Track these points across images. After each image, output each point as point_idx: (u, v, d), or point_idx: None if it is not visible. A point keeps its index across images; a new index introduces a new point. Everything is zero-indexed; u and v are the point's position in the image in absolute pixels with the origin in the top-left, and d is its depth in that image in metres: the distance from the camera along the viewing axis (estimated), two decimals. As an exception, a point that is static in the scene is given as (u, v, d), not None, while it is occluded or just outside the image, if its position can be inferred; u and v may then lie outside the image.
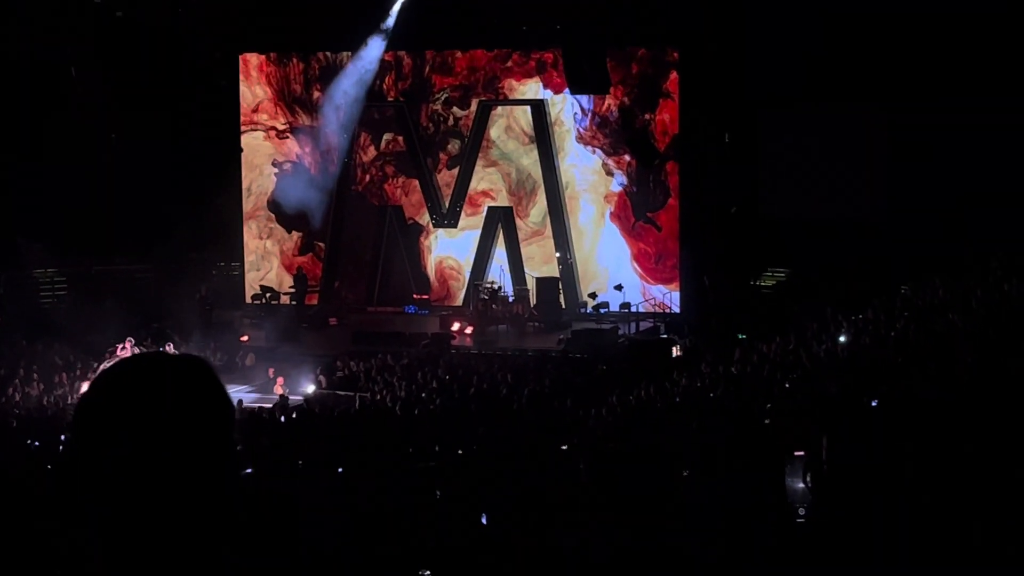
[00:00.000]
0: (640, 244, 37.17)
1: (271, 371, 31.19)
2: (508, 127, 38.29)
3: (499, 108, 38.31)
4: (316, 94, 39.32)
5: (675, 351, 30.97)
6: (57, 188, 37.61)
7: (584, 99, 37.08)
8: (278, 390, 30.28)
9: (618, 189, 37.32)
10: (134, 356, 2.54)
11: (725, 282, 34.53)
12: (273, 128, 40.06)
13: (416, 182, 39.03)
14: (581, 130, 37.44)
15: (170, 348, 30.27)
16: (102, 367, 2.60)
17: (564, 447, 18.36)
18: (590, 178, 37.53)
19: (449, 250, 38.96)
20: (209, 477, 2.44)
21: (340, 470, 16.88)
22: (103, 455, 2.40)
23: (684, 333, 32.65)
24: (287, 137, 40.02)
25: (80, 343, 30.51)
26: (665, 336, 33.37)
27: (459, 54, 38.35)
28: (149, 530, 2.39)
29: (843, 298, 29.05)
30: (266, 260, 40.37)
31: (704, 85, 35.37)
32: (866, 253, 32.14)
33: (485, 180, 38.47)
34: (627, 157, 36.90)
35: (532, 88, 37.85)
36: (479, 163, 38.37)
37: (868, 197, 33.78)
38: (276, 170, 40.08)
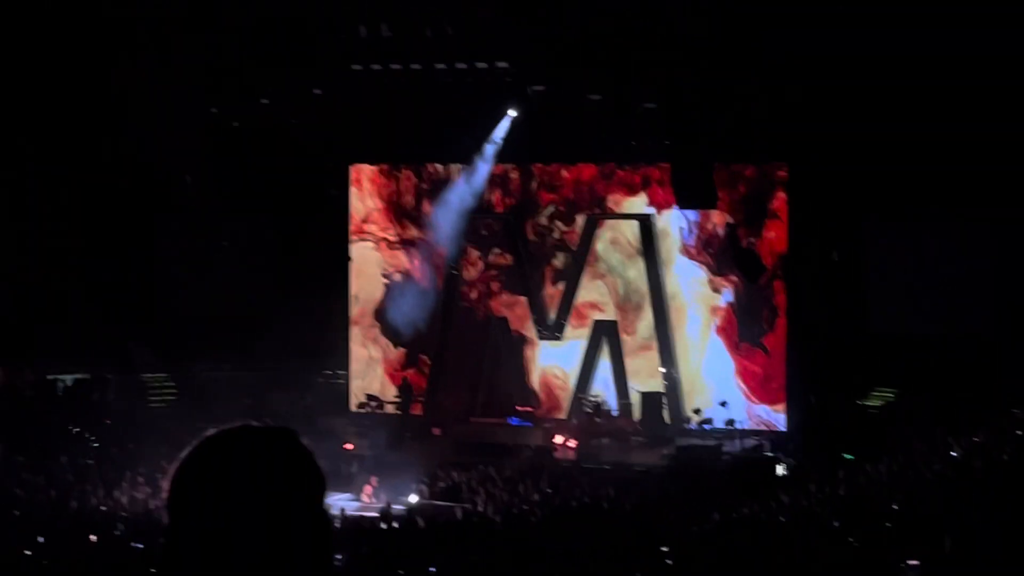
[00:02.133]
0: (745, 362, 36.88)
1: (374, 480, 31.25)
2: (614, 240, 38.33)
3: (605, 221, 38.39)
4: (426, 207, 39.66)
5: (780, 470, 30.61)
6: (168, 294, 38.29)
7: (691, 213, 37.05)
8: (365, 497, 30.40)
9: (724, 304, 37.14)
10: (223, 429, 2.56)
11: (832, 401, 34.13)
12: (384, 239, 40.43)
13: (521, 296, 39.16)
14: (688, 245, 37.40)
15: None
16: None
17: (665, 548, 18.15)
18: (697, 289, 37.40)
19: (554, 359, 38.90)
20: (299, 544, 2.44)
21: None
22: (194, 525, 2.43)
23: (789, 452, 32.28)
24: (397, 248, 40.35)
25: (187, 447, 30.77)
26: (770, 454, 33.00)
27: (565, 172, 38.56)
28: None
29: (952, 419, 28.59)
30: (371, 369, 40.57)
31: (812, 201, 35.23)
32: (976, 372, 31.65)
33: (593, 292, 38.45)
34: (734, 277, 36.69)
35: (637, 204, 37.92)
36: (585, 275, 38.39)
37: (978, 313, 33.35)
38: (386, 281, 40.39)
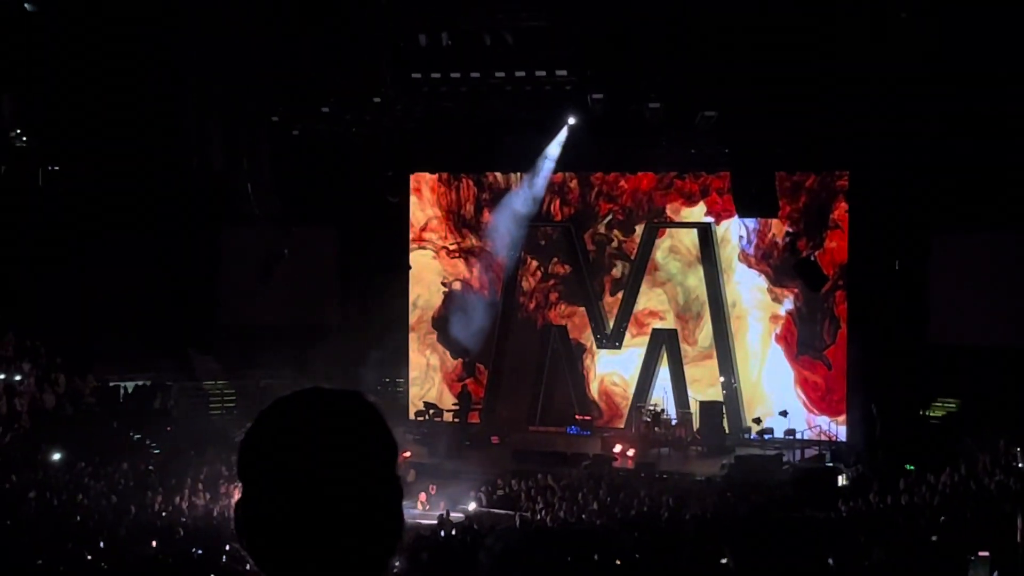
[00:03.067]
0: (805, 372, 36.68)
1: (432, 488, 31.31)
2: (673, 248, 38.25)
3: (664, 229, 38.30)
4: (485, 216, 39.72)
5: (841, 480, 30.41)
6: (229, 303, 38.51)
7: (751, 222, 36.88)
8: (420, 505, 30.52)
9: (784, 313, 36.97)
10: (294, 392, 2.53)
11: (893, 411, 33.84)
12: (444, 248, 40.51)
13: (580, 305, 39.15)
14: (747, 253, 37.25)
15: None
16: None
17: (724, 561, 18.05)
18: (757, 296, 37.25)
19: (613, 367, 38.82)
20: (373, 507, 2.43)
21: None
22: (266, 489, 2.41)
23: (850, 462, 32.05)
24: (456, 257, 40.42)
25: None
26: (831, 464, 32.79)
27: (623, 183, 38.52)
28: (316, 564, 2.40)
29: (1016, 429, 28.31)
30: (429, 376, 40.64)
31: (874, 211, 35.00)
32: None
33: (653, 300, 38.37)
34: (796, 290, 36.44)
35: (696, 213, 37.83)
36: (644, 284, 38.33)
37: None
38: (445, 289, 40.47)
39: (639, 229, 38.42)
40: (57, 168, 36.85)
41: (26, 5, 30.87)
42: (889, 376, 34.28)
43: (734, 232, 37.43)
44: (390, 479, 2.48)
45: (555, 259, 39.55)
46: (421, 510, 30.21)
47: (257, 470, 2.44)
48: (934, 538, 18.80)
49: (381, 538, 2.45)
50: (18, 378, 32.99)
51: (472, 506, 30.16)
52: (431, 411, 39.19)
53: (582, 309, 39.08)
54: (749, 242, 37.26)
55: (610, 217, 38.79)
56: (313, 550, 2.38)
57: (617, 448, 34.95)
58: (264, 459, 2.44)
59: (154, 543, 22.74)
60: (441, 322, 40.36)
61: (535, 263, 39.80)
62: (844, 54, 30.12)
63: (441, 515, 27.51)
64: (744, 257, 37.37)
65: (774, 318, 37.14)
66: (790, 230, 36.18)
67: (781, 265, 36.59)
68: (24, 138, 34.70)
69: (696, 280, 37.91)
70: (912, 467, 29.01)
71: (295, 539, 2.38)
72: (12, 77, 32.43)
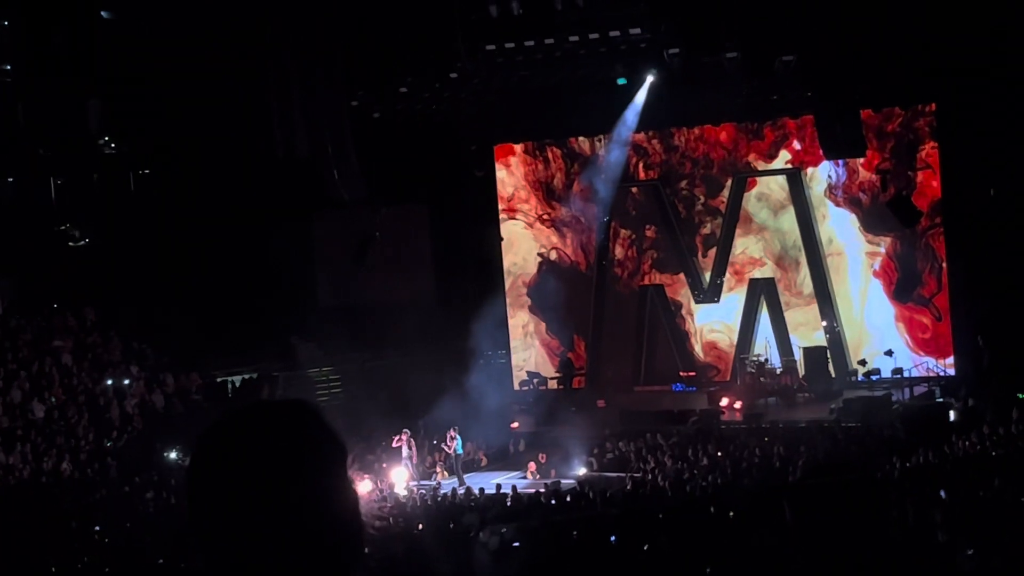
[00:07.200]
0: (907, 312, 36.32)
1: (542, 456, 31.37)
2: (760, 195, 38.00)
3: (751, 179, 38.02)
4: (572, 183, 39.70)
5: (952, 415, 30.09)
6: (327, 288, 38.80)
7: (839, 163, 36.41)
8: (529, 475, 30.61)
9: (882, 250, 36.57)
10: (233, 411, 2.49)
11: (1000, 342, 33.31)
12: (533, 217, 40.55)
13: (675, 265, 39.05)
14: (838, 195, 36.89)
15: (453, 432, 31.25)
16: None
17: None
18: (852, 234, 36.89)
19: (714, 316, 38.66)
20: (326, 519, 2.40)
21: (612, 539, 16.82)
22: (217, 513, 2.39)
23: (961, 395, 31.66)
24: (546, 226, 40.45)
25: (356, 438, 31.06)
26: (941, 400, 32.45)
27: (703, 143, 38.26)
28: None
29: None
30: (528, 344, 40.73)
31: (963, 143, 34.38)
32: None
33: (751, 246, 38.12)
34: (888, 238, 35.99)
35: (778, 162, 37.54)
36: (739, 233, 38.10)
37: None
38: (539, 259, 40.52)
39: (726, 183, 38.18)
40: (147, 171, 37.32)
41: (103, 13, 31.25)
42: (993, 307, 33.74)
43: (823, 174, 37.07)
44: (341, 486, 2.45)
45: (645, 225, 39.43)
46: (531, 479, 30.33)
47: (206, 496, 2.42)
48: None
49: (340, 549, 2.43)
50: (127, 381, 33.47)
51: (583, 471, 30.20)
52: (535, 380, 39.26)
53: (677, 274, 38.96)
54: (839, 182, 36.87)
55: (695, 175, 38.59)
56: (272, 571, 2.37)
57: (724, 401, 34.84)
58: (211, 485, 2.42)
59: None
60: (536, 291, 40.41)
61: (625, 231, 39.70)
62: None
63: (552, 483, 27.60)
64: (835, 199, 36.97)
65: (871, 253, 36.75)
66: (881, 167, 35.71)
67: (872, 209, 36.17)
68: (112, 145, 35.15)
69: (789, 223, 37.60)
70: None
71: (253, 562, 2.36)
72: (96, 85, 32.88)
